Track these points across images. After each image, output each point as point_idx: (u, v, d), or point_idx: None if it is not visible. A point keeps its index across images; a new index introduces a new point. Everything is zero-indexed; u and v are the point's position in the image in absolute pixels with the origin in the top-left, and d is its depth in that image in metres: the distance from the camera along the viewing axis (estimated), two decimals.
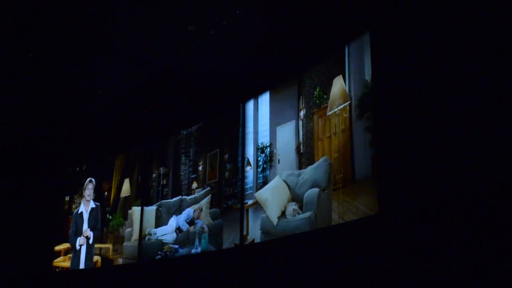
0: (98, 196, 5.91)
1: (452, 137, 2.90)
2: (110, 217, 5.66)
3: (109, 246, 5.56)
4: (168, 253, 4.86)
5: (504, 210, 2.59)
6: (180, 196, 5.01)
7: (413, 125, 3.12)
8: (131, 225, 5.39)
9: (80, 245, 5.50)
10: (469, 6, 2.94)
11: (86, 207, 5.63)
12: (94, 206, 5.64)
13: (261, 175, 4.24)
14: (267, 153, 4.23)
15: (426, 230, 2.93)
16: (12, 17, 3.90)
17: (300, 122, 3.99)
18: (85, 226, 5.56)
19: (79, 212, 5.68)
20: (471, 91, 2.87)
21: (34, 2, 3.73)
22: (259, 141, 4.35)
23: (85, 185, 5.73)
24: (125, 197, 5.62)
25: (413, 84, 3.18)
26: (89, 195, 5.66)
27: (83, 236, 5.50)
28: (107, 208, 5.76)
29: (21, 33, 4.11)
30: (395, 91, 3.27)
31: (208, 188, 4.76)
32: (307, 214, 3.72)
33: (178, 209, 4.96)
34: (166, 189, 5.20)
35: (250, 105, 4.55)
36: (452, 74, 2.97)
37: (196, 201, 4.82)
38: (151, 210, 5.22)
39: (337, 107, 3.69)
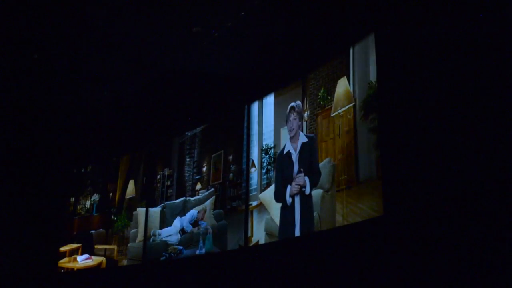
0: (103, 197, 5.93)
1: (458, 138, 2.87)
2: (115, 218, 5.66)
3: (114, 247, 5.57)
4: (172, 254, 4.86)
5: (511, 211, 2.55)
6: (184, 197, 5.00)
7: (419, 126, 3.09)
8: (136, 226, 5.39)
9: (292, 197, 3.85)
10: (475, 6, 2.92)
11: (294, 143, 3.95)
12: (305, 140, 3.87)
13: (265, 177, 4.23)
14: (272, 154, 4.21)
15: (432, 232, 2.90)
16: (17, 18, 3.89)
17: (304, 124, 3.97)
18: (296, 168, 3.88)
19: (285, 152, 4.02)
20: (478, 93, 2.83)
21: (39, 2, 3.72)
22: (264, 143, 4.34)
23: (287, 114, 4.03)
24: (130, 198, 5.62)
25: (418, 86, 3.15)
26: (292, 129, 3.97)
27: (295, 183, 3.84)
28: (112, 209, 5.76)
29: (26, 34, 4.11)
30: (400, 93, 3.24)
31: (212, 189, 4.75)
32: None
33: (182, 210, 4.95)
34: (171, 190, 5.20)
35: (254, 106, 4.53)
36: (458, 75, 2.94)
37: (200, 202, 4.81)
38: (155, 212, 5.22)
39: (341, 108, 3.67)
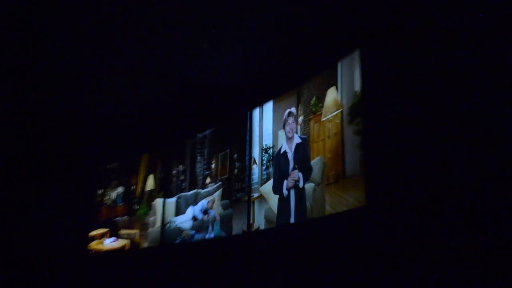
0: (126, 190, 5.93)
1: (431, 139, 2.89)
2: (137, 207, 5.68)
3: (137, 231, 5.58)
4: (185, 238, 4.87)
5: (484, 201, 2.56)
6: (196, 190, 5.02)
7: (398, 130, 3.12)
8: (154, 214, 5.42)
9: (288, 190, 3.87)
10: (450, 28, 2.93)
11: (290, 144, 3.97)
12: (299, 141, 3.89)
13: (265, 172, 4.24)
14: (270, 153, 4.23)
15: (408, 220, 2.92)
16: (43, 22, 3.74)
17: (299, 127, 3.98)
18: (291, 165, 3.90)
19: (282, 151, 4.04)
20: (447, 101, 2.85)
21: (66, 10, 3.61)
22: (264, 143, 4.36)
23: (284, 118, 4.09)
24: (150, 190, 5.63)
25: (397, 95, 3.17)
26: (290, 131, 3.98)
27: (291, 178, 3.86)
28: (134, 200, 5.78)
29: (62, 37, 3.97)
30: (382, 101, 3.27)
31: (220, 182, 4.76)
32: None
33: (194, 201, 4.97)
34: (184, 184, 5.21)
35: (256, 112, 4.55)
36: (431, 87, 2.96)
37: (209, 194, 4.83)
38: (171, 202, 5.24)
39: (331, 114, 3.69)
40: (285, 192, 3.91)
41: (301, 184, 3.77)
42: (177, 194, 5.23)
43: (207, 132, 5.12)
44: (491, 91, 2.64)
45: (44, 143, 5.95)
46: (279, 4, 3.48)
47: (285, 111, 4.15)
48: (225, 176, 4.73)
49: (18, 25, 3.78)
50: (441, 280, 2.64)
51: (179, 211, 5.11)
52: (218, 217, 4.63)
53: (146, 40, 4.01)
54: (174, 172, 5.43)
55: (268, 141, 4.31)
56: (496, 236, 2.44)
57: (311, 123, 3.87)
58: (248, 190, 4.36)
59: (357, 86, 3.47)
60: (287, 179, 3.90)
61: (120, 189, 6.07)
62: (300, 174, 3.79)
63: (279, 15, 3.60)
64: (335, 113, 3.65)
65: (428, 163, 2.87)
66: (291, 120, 4.04)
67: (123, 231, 5.76)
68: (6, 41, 4.00)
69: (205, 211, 4.81)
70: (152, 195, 5.57)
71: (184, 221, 4.99)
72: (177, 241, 4.94)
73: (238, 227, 4.39)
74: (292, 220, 3.79)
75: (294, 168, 3.87)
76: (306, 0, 3.44)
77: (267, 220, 4.08)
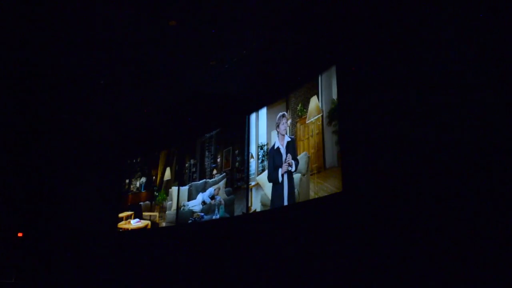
0: (148, 179, 5.90)
1: (394, 137, 2.88)
2: (157, 194, 5.65)
3: (156, 214, 5.55)
4: (196, 218, 4.84)
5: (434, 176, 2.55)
6: (204, 179, 4.98)
7: (367, 129, 3.10)
8: (171, 199, 5.37)
9: (282, 175, 3.80)
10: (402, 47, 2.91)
11: (281, 141, 3.94)
12: (289, 139, 3.85)
13: (260, 165, 4.22)
14: (265, 149, 4.20)
15: (376, 203, 2.91)
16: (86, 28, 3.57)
17: (288, 128, 3.96)
18: (284, 157, 3.86)
19: (276, 147, 3.98)
20: (404, 105, 2.84)
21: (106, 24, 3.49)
22: (259, 141, 4.32)
23: (278, 120, 4.07)
24: (167, 180, 5.60)
25: (366, 101, 3.16)
26: (284, 130, 3.91)
27: (285, 164, 3.77)
28: (155, 187, 5.75)
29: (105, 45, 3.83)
30: (354, 107, 3.25)
31: (224, 173, 4.73)
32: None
33: (203, 188, 4.94)
34: (195, 175, 5.18)
35: (252, 116, 4.52)
36: (393, 95, 2.96)
37: (215, 183, 4.79)
38: (184, 189, 5.20)
39: (313, 117, 3.67)
40: (280, 178, 3.86)
41: (293, 169, 3.71)
42: (189, 183, 5.18)
43: (214, 132, 5.06)
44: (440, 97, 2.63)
45: (84, 144, 5.95)
46: (271, 31, 3.46)
47: (276, 115, 4.11)
48: (228, 168, 4.69)
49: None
50: (402, 248, 2.63)
51: (191, 197, 5.06)
52: (222, 202, 4.59)
53: (166, 62, 3.99)
54: (187, 165, 5.39)
55: (263, 139, 4.26)
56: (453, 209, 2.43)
57: (298, 125, 3.84)
58: (247, 179, 4.32)
59: (334, 95, 3.45)
60: (281, 168, 3.86)
61: (143, 179, 6.03)
62: (293, 161, 3.75)
63: (271, 40, 3.59)
64: (317, 116, 3.63)
65: (392, 156, 2.87)
66: (283, 120, 4.02)
67: (146, 213, 5.71)
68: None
69: (212, 197, 4.78)
70: (169, 184, 5.52)
71: (195, 205, 4.95)
72: (190, 221, 4.89)
73: (239, 209, 4.34)
74: (285, 202, 3.75)
75: (287, 157, 3.83)
76: (293, 27, 3.42)
77: (262, 203, 4.04)
